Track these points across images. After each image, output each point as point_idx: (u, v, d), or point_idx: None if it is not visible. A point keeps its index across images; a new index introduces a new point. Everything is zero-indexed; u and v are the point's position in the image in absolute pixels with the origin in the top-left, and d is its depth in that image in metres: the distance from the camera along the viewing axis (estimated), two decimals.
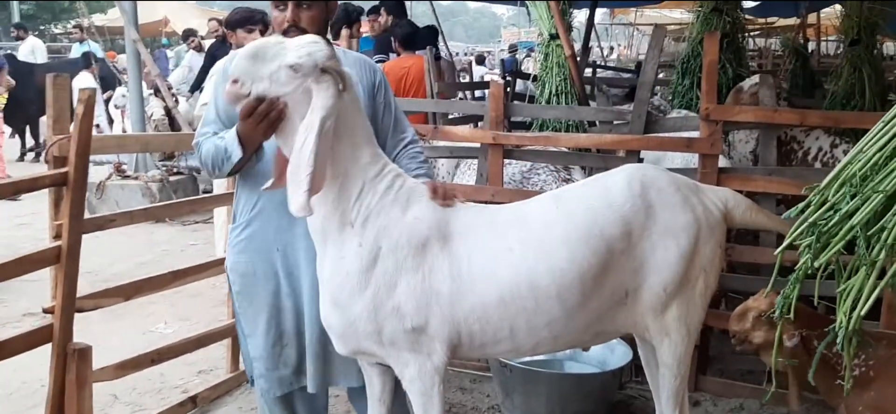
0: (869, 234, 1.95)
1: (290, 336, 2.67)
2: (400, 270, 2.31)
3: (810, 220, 2.05)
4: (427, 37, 7.35)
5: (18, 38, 14.33)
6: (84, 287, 3.05)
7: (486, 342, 2.43)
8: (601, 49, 17.38)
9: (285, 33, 2.47)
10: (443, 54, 7.76)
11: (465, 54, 24.06)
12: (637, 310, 2.54)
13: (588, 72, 8.86)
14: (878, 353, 2.59)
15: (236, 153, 2.38)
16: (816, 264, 2.03)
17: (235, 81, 2.18)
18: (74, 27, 16.53)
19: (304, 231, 2.49)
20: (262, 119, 2.20)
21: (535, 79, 5.02)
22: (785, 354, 2.56)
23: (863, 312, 1.95)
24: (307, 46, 2.18)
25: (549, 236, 2.41)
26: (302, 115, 2.17)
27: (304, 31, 2.49)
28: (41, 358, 2.92)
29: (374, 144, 2.39)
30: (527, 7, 4.73)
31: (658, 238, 2.48)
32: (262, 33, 4.72)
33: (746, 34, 6.48)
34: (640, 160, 3.84)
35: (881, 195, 1.94)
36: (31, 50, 13.23)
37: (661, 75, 9.22)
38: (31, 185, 2.68)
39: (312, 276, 2.54)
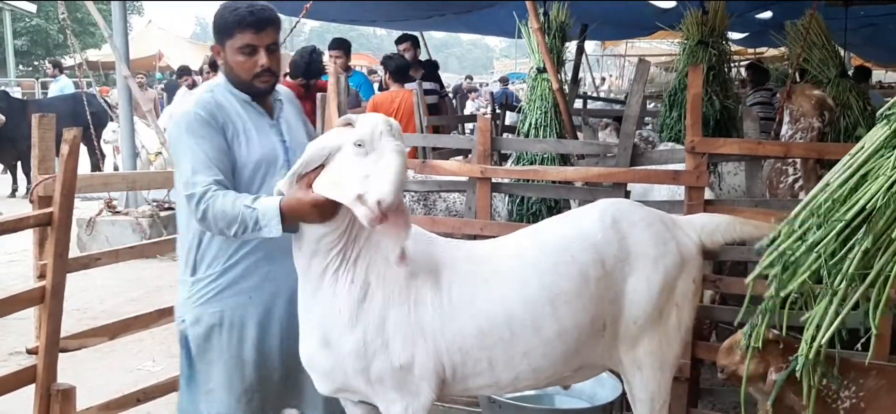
0: (832, 263, 1.97)
1: (254, 388, 2.58)
2: (389, 303, 2.33)
3: (780, 250, 2.06)
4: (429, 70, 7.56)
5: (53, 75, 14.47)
6: (72, 325, 3.03)
7: (467, 374, 2.44)
8: (593, 80, 17.51)
9: (257, 77, 2.47)
10: (435, 87, 7.79)
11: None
12: (612, 343, 2.55)
13: (578, 103, 8.93)
14: (868, 384, 2.60)
15: (275, 230, 2.26)
16: (783, 294, 2.04)
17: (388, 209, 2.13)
18: (49, 62, 16.49)
19: (282, 275, 2.50)
20: (336, 206, 2.23)
21: (520, 110, 5.05)
22: (770, 387, 2.56)
23: (825, 340, 1.96)
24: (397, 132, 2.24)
25: (521, 266, 2.44)
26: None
27: (274, 74, 2.51)
28: (28, 398, 2.89)
29: None
30: (525, 39, 4.74)
31: (630, 270, 2.50)
32: None
33: (733, 66, 6.55)
34: (627, 193, 3.85)
35: (843, 225, 1.96)
36: (61, 89, 13.33)
37: (650, 106, 9.29)
38: (15, 225, 2.68)
39: (286, 321, 2.54)
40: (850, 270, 1.91)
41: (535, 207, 4.51)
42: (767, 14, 9.76)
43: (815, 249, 1.99)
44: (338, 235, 2.29)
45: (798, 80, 5.63)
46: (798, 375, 2.09)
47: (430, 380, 2.37)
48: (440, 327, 2.36)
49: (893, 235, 1.93)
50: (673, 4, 7.79)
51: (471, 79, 19.67)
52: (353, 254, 2.32)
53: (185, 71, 11.90)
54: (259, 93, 2.52)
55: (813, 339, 2.01)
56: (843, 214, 1.96)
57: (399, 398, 2.37)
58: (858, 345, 2.30)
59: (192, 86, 10.90)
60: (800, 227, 2.08)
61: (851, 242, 1.94)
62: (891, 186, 1.92)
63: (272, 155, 2.52)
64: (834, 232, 1.95)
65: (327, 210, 2.21)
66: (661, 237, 2.55)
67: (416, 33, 8.58)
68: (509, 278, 2.42)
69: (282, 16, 2.64)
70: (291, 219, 2.26)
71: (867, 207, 1.92)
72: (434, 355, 2.36)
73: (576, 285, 2.42)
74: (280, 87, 2.69)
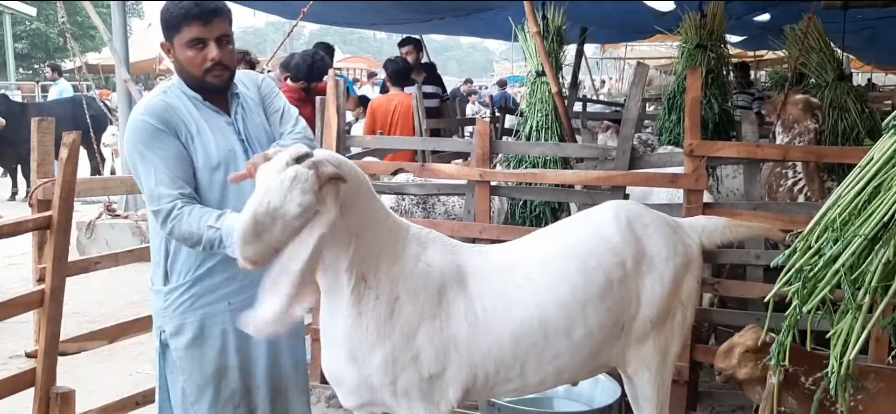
0: (853, 277, 1.97)
1: (239, 397, 2.54)
2: (420, 317, 2.30)
3: (797, 266, 2.07)
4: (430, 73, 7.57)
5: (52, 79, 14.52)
6: (71, 328, 3.03)
7: (498, 382, 2.44)
8: (593, 82, 17.54)
9: (209, 72, 2.36)
10: (436, 91, 7.83)
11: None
12: (626, 343, 2.58)
13: (578, 106, 8.94)
14: (867, 387, 2.60)
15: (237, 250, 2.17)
16: (805, 310, 2.05)
17: (255, 262, 2.00)
18: (48, 66, 16.50)
19: (257, 280, 2.31)
20: None
21: (521, 114, 5.07)
22: (768, 388, 2.57)
23: (853, 356, 1.96)
24: (297, 188, 1.96)
25: (551, 271, 2.45)
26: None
27: (227, 68, 2.39)
28: (27, 401, 2.89)
29: (379, 198, 2.36)
30: (522, 42, 4.75)
31: (646, 271, 2.54)
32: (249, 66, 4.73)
33: (732, 69, 6.56)
34: (626, 196, 3.85)
35: (862, 239, 1.96)
36: (60, 92, 13.38)
37: (650, 109, 9.31)
38: (14, 229, 2.68)
39: None
40: (873, 284, 1.91)
41: (538, 210, 4.52)
42: (765, 17, 9.78)
43: (835, 264, 1.99)
44: (342, 252, 2.22)
45: (797, 83, 5.64)
46: (831, 391, 2.08)
47: (457, 390, 2.36)
48: (475, 339, 2.34)
49: None
50: (672, 7, 7.80)
51: (470, 82, 19.48)
52: (373, 268, 2.26)
53: None
54: (213, 89, 2.42)
55: (841, 353, 2.00)
56: (859, 228, 1.96)
57: (424, 409, 2.36)
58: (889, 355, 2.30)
59: None
60: (816, 242, 2.08)
61: (871, 254, 1.95)
62: None
63: (230, 156, 2.43)
64: (853, 246, 1.96)
65: None
66: (670, 239, 2.61)
67: (418, 36, 8.60)
68: (542, 283, 2.42)
69: (281, 18, 2.59)
70: None
71: (886, 218, 1.92)
72: (467, 367, 2.35)
73: (601, 288, 2.46)
74: (240, 76, 2.56)
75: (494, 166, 4.44)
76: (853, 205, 2.02)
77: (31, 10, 23.36)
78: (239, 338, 2.48)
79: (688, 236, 2.68)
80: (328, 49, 7.01)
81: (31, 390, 2.86)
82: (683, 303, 2.63)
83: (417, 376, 2.31)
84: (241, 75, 2.60)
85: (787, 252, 2.16)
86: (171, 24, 2.36)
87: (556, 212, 4.51)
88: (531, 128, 4.58)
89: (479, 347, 2.35)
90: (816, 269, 2.03)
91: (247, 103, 2.54)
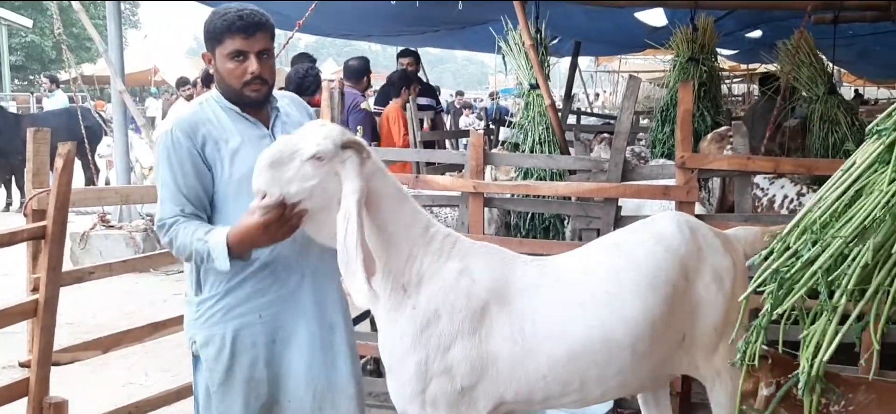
0: (830, 279, 1.99)
1: (268, 410, 2.52)
2: (457, 333, 2.30)
3: (773, 267, 2.08)
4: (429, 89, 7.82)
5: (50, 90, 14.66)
6: (66, 338, 3.03)
7: (552, 395, 2.44)
8: (587, 95, 17.60)
9: (247, 85, 2.37)
10: (430, 103, 7.89)
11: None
12: (691, 352, 2.61)
13: (572, 119, 8.98)
14: (858, 398, 2.61)
15: (222, 263, 2.25)
16: (779, 311, 2.06)
17: (263, 195, 2.13)
18: (46, 77, 16.54)
19: (290, 293, 2.42)
20: (283, 224, 2.16)
21: (513, 125, 5.10)
22: (761, 403, 2.58)
23: (826, 358, 1.98)
24: (321, 132, 2.16)
25: (619, 287, 2.44)
26: (329, 201, 2.17)
27: (266, 82, 2.41)
28: (20, 411, 2.89)
29: (411, 201, 2.36)
30: (503, 57, 4.80)
31: (709, 280, 2.57)
32: None
33: (723, 82, 6.62)
34: (619, 208, 3.88)
35: (840, 241, 1.98)
36: (53, 104, 13.44)
37: (644, 122, 9.35)
38: (9, 239, 2.69)
39: (305, 339, 2.47)
40: (849, 286, 1.93)
41: (548, 222, 4.53)
42: (757, 33, 9.84)
43: (812, 266, 2.00)
44: (385, 257, 2.26)
45: (789, 96, 5.69)
46: (799, 393, 2.10)
47: (489, 403, 2.35)
48: (521, 357, 2.33)
49: (893, 250, 1.94)
50: (664, 23, 7.86)
51: (462, 95, 19.35)
52: (413, 278, 2.28)
53: (184, 82, 11.85)
54: (250, 102, 2.42)
55: (813, 356, 2.02)
56: (839, 230, 1.97)
57: None
58: (861, 361, 2.32)
59: (190, 98, 10.87)
60: (794, 244, 2.10)
61: (849, 257, 1.96)
62: (888, 201, 1.94)
63: None
64: (832, 248, 1.97)
65: (275, 230, 2.17)
66: (727, 251, 2.64)
67: (415, 49, 8.67)
68: (610, 303, 2.41)
69: (277, 29, 2.57)
70: (240, 247, 2.23)
71: (865, 222, 1.94)
72: (505, 383, 2.34)
73: (670, 303, 2.47)
74: (281, 94, 2.58)
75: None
76: (833, 208, 2.04)
77: (27, 22, 23.39)
78: (269, 351, 2.47)
79: (734, 247, 2.71)
80: (310, 59, 7.08)
81: (25, 400, 2.86)
82: (738, 312, 2.66)
83: (448, 387, 2.30)
84: (290, 100, 2.62)
85: (764, 252, 2.18)
86: (213, 35, 2.37)
87: (564, 225, 4.52)
88: (534, 141, 4.60)
89: (525, 365, 2.33)
90: (793, 270, 2.05)
91: (290, 119, 2.53)
